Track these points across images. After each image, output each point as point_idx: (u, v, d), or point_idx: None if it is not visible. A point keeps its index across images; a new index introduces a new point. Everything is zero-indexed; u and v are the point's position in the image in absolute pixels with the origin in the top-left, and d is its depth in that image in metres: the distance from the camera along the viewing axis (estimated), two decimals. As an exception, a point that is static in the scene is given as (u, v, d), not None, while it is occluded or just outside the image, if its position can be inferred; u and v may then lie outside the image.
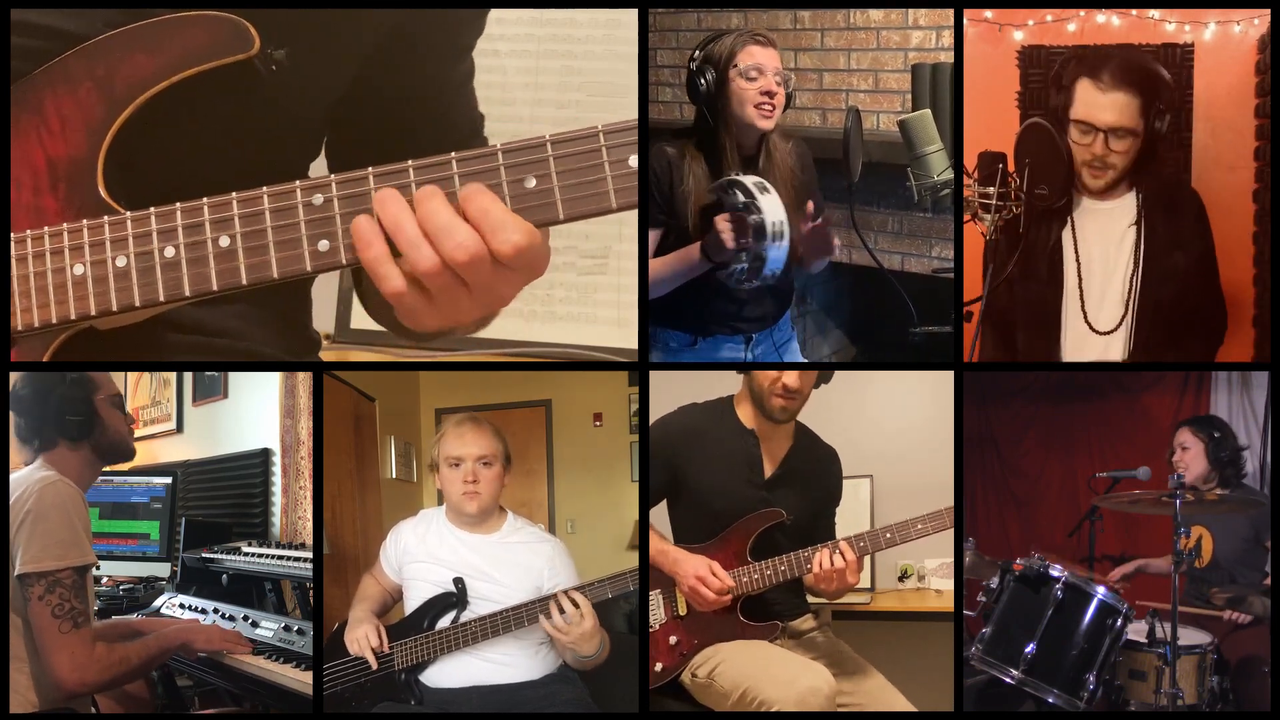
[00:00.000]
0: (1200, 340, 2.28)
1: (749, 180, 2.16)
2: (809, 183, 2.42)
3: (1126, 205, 2.22)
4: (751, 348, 2.46)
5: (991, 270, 2.26)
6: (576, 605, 2.12)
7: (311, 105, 1.47)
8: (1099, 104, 2.17)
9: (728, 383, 2.38)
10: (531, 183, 1.22)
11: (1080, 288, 2.25)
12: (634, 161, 1.23)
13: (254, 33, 1.27)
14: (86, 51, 1.26)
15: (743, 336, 2.45)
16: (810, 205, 2.25)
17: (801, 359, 2.60)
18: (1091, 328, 2.24)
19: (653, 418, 2.34)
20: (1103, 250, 2.24)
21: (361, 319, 2.65)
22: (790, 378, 2.19)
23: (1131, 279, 2.20)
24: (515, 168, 1.22)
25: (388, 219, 1.19)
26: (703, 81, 2.29)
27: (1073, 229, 2.26)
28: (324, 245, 1.25)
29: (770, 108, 2.29)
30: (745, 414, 2.30)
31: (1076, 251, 2.25)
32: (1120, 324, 2.22)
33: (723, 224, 2.15)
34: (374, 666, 2.20)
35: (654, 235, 2.35)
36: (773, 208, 2.13)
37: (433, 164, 1.23)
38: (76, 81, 1.27)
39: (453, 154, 1.23)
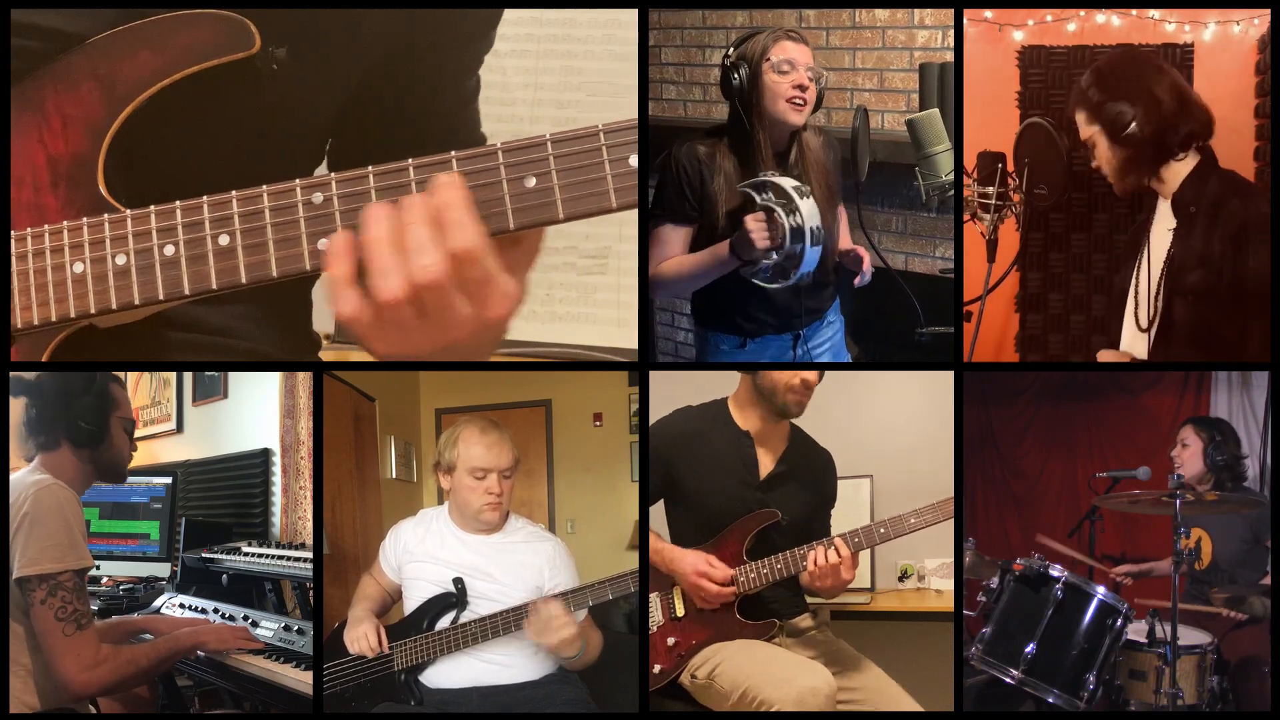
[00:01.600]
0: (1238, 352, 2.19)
1: (787, 183, 2.18)
2: (839, 182, 2.44)
3: (1165, 210, 2.17)
4: (800, 344, 2.47)
5: (992, 269, 2.26)
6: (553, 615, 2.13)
7: (314, 109, 1.46)
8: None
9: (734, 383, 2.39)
10: (531, 182, 1.21)
11: (1135, 281, 2.22)
12: (634, 161, 1.22)
13: (255, 31, 1.26)
14: (88, 50, 1.25)
15: (791, 334, 2.46)
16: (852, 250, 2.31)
17: (847, 353, 2.62)
18: (1137, 324, 2.21)
19: (653, 418, 2.35)
20: (1153, 250, 2.20)
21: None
22: (810, 374, 2.20)
23: (1159, 284, 2.16)
24: (515, 166, 1.21)
25: (369, 234, 1.16)
26: (736, 77, 2.30)
27: (1148, 226, 2.23)
28: (324, 244, 1.24)
29: (802, 102, 2.30)
30: (740, 415, 2.30)
31: (1148, 248, 2.22)
32: (1150, 325, 2.18)
33: (754, 223, 2.16)
34: (372, 656, 2.20)
35: (684, 232, 2.37)
36: (812, 212, 2.15)
37: (432, 162, 1.22)
38: (78, 80, 1.26)
39: (453, 153, 1.22)
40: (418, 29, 1.47)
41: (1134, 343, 2.22)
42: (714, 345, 2.49)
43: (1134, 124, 2.07)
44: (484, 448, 2.29)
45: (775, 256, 2.20)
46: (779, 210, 2.14)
